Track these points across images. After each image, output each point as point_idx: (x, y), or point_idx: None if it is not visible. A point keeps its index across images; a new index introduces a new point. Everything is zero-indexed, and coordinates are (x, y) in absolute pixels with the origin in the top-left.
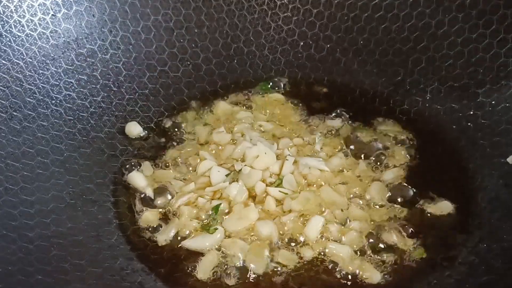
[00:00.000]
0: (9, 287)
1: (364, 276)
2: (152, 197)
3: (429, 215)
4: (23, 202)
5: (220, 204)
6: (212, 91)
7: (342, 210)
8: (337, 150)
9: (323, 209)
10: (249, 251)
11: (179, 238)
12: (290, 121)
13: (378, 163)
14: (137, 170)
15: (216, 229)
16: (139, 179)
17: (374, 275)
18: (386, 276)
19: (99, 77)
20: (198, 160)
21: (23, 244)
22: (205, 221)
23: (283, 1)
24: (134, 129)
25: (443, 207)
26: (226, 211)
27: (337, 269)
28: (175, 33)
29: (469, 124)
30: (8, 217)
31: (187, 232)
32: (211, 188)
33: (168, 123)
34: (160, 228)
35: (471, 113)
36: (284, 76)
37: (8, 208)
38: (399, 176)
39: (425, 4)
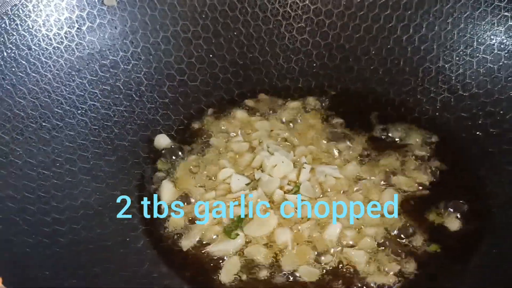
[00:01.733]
0: None
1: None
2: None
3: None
4: (55, 209)
5: (245, 217)
6: (229, 99)
7: (357, 218)
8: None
9: (339, 216)
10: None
11: (203, 243)
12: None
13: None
14: (168, 179)
15: (237, 234)
16: (167, 187)
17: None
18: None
19: (122, 87)
20: (218, 168)
21: (57, 249)
22: (227, 226)
23: (297, 12)
24: (164, 141)
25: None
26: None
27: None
28: (193, 44)
29: (478, 133)
30: (42, 224)
31: (210, 237)
32: (232, 195)
33: (187, 132)
34: (184, 234)
35: (480, 122)
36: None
37: (42, 215)
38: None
39: (435, 15)
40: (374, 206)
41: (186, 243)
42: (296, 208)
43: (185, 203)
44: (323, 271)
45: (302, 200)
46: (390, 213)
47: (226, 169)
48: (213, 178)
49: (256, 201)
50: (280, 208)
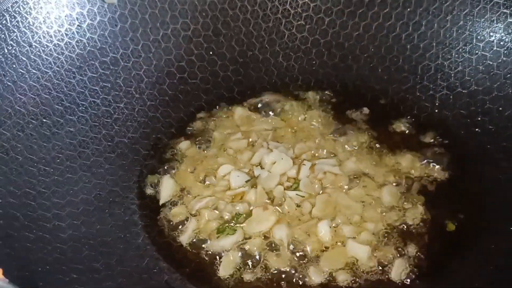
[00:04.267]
0: (49, 286)
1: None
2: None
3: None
4: (56, 205)
5: (241, 215)
6: (229, 97)
7: (359, 213)
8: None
9: (338, 212)
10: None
11: (202, 238)
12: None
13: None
14: (168, 175)
15: (235, 230)
16: (167, 184)
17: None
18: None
19: (122, 84)
20: (217, 165)
21: (58, 244)
22: (220, 226)
23: (296, 10)
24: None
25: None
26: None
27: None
28: (193, 41)
29: (477, 129)
30: (43, 219)
31: (209, 233)
32: (231, 192)
33: (187, 129)
34: (183, 229)
35: (479, 119)
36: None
37: (43, 211)
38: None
39: (434, 13)
40: (375, 202)
41: (185, 239)
42: (296, 205)
43: (185, 199)
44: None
45: (301, 197)
46: (390, 209)
47: (226, 165)
48: (212, 174)
49: (256, 198)
50: (279, 205)
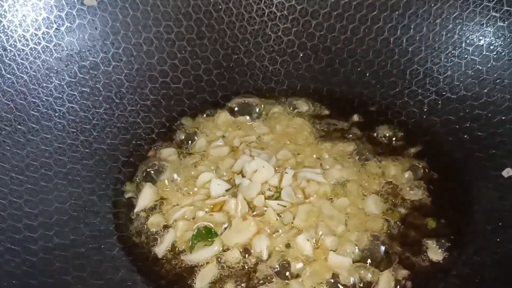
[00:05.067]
0: None
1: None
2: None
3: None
4: (27, 215)
5: (205, 228)
6: (213, 101)
7: (342, 223)
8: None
9: (321, 222)
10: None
11: (178, 249)
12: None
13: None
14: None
15: (212, 241)
16: (146, 192)
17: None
18: None
19: (102, 89)
20: (198, 172)
21: (27, 257)
22: (196, 236)
23: (283, 13)
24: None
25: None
26: (225, 225)
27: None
28: (176, 45)
29: (465, 136)
30: (12, 230)
31: (185, 244)
32: (211, 201)
33: (168, 135)
34: (159, 240)
35: (468, 125)
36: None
37: (13, 221)
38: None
39: (423, 16)
40: (358, 212)
41: (161, 250)
42: (277, 214)
43: (163, 208)
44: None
45: (283, 206)
46: (374, 217)
47: (206, 173)
48: (193, 182)
49: (236, 208)
50: (260, 215)
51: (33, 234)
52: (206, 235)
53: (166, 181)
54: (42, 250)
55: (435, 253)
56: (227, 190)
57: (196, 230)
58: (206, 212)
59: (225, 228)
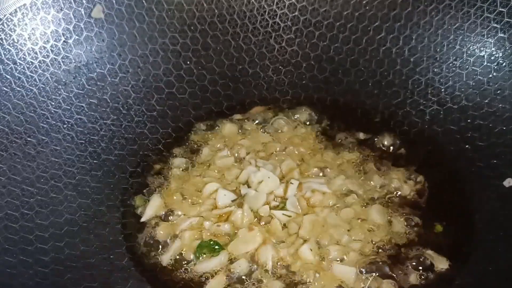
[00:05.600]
0: None
1: None
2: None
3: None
4: (38, 226)
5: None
6: (218, 112)
7: (347, 232)
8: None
9: (325, 233)
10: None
11: (185, 259)
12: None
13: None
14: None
15: (218, 252)
16: (153, 202)
17: None
18: None
19: (109, 100)
20: (204, 183)
21: (39, 268)
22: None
23: (286, 23)
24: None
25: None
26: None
27: None
28: (182, 56)
29: (467, 146)
30: (24, 242)
31: (192, 254)
32: (217, 211)
33: (175, 145)
34: (167, 250)
35: (469, 135)
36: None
37: (25, 233)
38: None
39: (424, 27)
40: (362, 221)
41: (167, 258)
42: (283, 225)
43: (170, 219)
44: None
45: (288, 216)
46: (378, 228)
47: (212, 183)
48: (199, 192)
49: (242, 218)
50: (265, 225)
51: (44, 246)
52: (211, 247)
53: (173, 191)
54: (53, 261)
55: (439, 261)
56: (233, 200)
57: (200, 243)
58: (212, 222)
59: (232, 239)
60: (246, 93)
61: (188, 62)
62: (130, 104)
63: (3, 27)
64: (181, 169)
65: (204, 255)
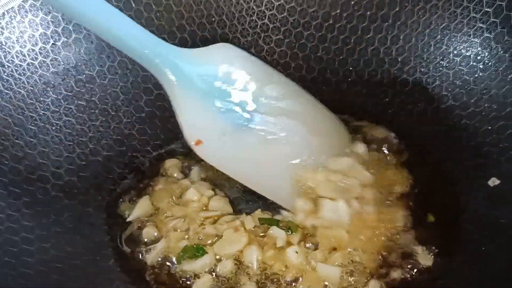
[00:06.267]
0: None
1: None
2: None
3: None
4: (24, 227)
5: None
6: None
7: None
8: None
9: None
10: None
11: (170, 260)
12: None
13: None
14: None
15: (203, 253)
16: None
17: None
18: None
19: (98, 102)
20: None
21: (24, 270)
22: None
23: (275, 24)
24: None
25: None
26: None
27: None
28: None
29: (455, 145)
30: (9, 244)
31: (177, 255)
32: (204, 213)
33: (164, 147)
34: (153, 250)
35: (456, 134)
36: None
37: (10, 234)
38: None
39: (412, 27)
40: None
41: (151, 258)
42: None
43: (156, 219)
44: None
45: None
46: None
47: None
48: (188, 194)
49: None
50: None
51: (30, 247)
52: (194, 252)
53: (161, 192)
54: (38, 262)
55: (425, 259)
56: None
57: (184, 247)
58: (198, 224)
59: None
60: None
61: None
62: (119, 106)
63: None
64: (170, 170)
65: (187, 259)
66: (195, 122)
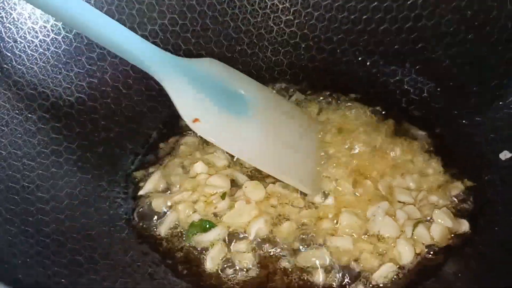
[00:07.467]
0: (29, 278)
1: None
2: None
3: None
4: (39, 199)
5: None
6: None
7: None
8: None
9: None
10: None
11: (183, 231)
12: None
13: None
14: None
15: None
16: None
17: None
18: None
19: (109, 80)
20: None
21: (41, 238)
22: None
23: (285, 5)
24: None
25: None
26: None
27: None
28: (181, 37)
29: (464, 122)
30: (26, 213)
31: (189, 226)
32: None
33: (175, 124)
34: (164, 221)
35: (467, 111)
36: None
37: (26, 205)
38: None
39: (422, 7)
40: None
41: (163, 230)
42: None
43: (168, 192)
44: None
45: None
46: None
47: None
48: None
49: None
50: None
51: (45, 217)
52: (202, 226)
53: (174, 166)
54: (54, 232)
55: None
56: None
57: (191, 223)
58: (208, 196)
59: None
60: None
61: (188, 43)
62: (130, 84)
63: (3, 5)
64: (181, 146)
65: (196, 234)
66: (188, 101)
